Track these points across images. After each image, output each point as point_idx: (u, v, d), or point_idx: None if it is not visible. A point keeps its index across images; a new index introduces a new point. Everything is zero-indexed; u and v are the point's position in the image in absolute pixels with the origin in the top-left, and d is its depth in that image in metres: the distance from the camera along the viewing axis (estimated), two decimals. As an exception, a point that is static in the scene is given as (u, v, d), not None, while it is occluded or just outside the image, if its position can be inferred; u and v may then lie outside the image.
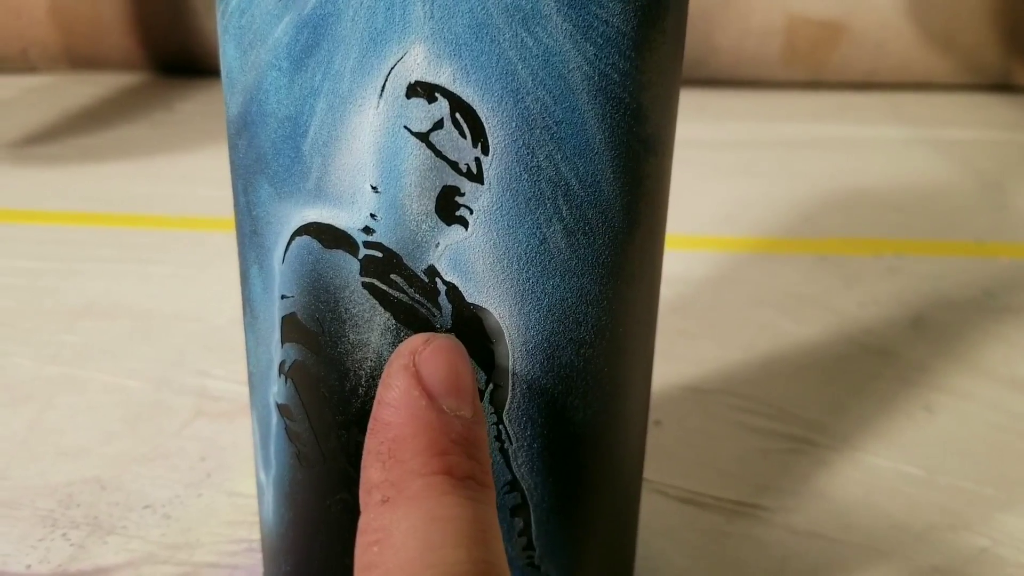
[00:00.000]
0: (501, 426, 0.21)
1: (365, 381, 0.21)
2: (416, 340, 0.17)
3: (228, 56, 0.20)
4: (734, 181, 0.68)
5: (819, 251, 0.56)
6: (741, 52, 0.89)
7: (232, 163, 0.21)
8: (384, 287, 0.20)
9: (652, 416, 0.38)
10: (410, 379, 0.17)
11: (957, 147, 0.76)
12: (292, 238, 0.20)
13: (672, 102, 0.21)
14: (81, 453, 0.34)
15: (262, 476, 0.24)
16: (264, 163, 0.20)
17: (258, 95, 0.19)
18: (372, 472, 0.16)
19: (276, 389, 0.22)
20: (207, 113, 0.83)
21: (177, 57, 0.93)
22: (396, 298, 0.20)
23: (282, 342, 0.21)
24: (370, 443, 0.17)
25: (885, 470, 0.36)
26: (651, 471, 0.35)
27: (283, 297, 0.21)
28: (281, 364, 0.22)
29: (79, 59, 0.92)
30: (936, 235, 0.59)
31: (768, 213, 0.62)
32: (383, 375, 0.17)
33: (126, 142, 0.75)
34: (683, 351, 0.44)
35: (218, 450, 0.34)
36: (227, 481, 0.33)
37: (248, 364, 0.24)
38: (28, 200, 0.62)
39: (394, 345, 0.20)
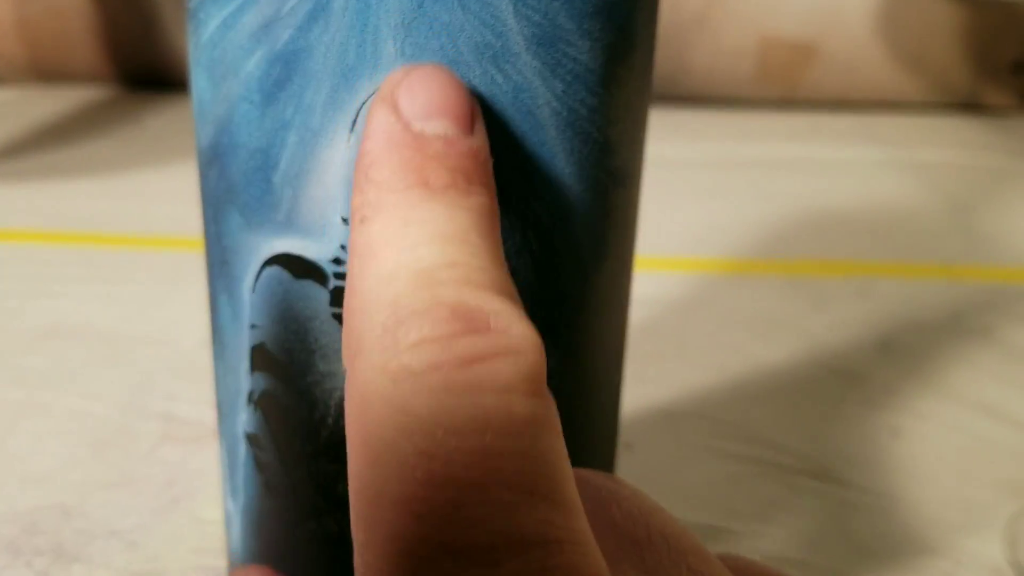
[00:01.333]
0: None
1: (334, 411, 0.21)
2: (396, 73, 0.17)
3: (199, 88, 0.20)
4: (705, 202, 0.68)
5: (790, 273, 0.57)
6: (713, 71, 0.90)
7: (202, 192, 0.21)
8: (353, 319, 0.20)
9: (623, 439, 0.39)
10: (386, 107, 0.16)
11: (927, 169, 0.78)
12: (262, 268, 0.20)
13: (639, 135, 0.22)
14: (45, 479, 0.34)
15: (230, 505, 0.24)
16: (234, 194, 0.20)
17: (229, 127, 0.20)
18: (353, 199, 0.16)
19: (244, 418, 0.22)
20: (177, 128, 0.82)
21: (146, 71, 0.92)
22: (365, 330, 0.20)
23: (251, 371, 0.21)
24: (354, 175, 0.17)
25: (851, 494, 0.36)
26: (621, 495, 0.35)
27: (252, 327, 0.21)
28: (250, 393, 0.22)
29: (46, 73, 0.92)
30: (905, 258, 0.60)
31: (739, 234, 0.62)
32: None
33: (94, 158, 0.74)
34: (654, 373, 0.44)
35: (186, 475, 0.34)
36: (195, 507, 0.33)
37: (216, 393, 0.24)
38: (-7, 217, 0.61)
39: (363, 376, 0.20)
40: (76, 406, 0.39)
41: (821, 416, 0.41)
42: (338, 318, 0.20)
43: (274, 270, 0.20)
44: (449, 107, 0.16)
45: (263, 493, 0.23)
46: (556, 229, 0.20)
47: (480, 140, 0.17)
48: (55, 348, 0.44)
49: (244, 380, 0.22)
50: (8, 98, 0.89)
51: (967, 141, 0.86)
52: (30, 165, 0.72)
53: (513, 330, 0.14)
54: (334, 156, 0.18)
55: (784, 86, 0.91)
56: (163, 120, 0.85)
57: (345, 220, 0.19)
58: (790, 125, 0.87)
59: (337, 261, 0.19)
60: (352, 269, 0.16)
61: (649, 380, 0.44)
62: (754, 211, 0.66)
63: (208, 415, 0.38)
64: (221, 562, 0.30)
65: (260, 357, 0.21)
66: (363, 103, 0.18)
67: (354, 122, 0.18)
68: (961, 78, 0.93)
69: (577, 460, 0.23)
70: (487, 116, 0.18)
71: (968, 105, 0.95)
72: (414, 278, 0.15)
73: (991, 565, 0.32)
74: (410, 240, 0.15)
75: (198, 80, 0.20)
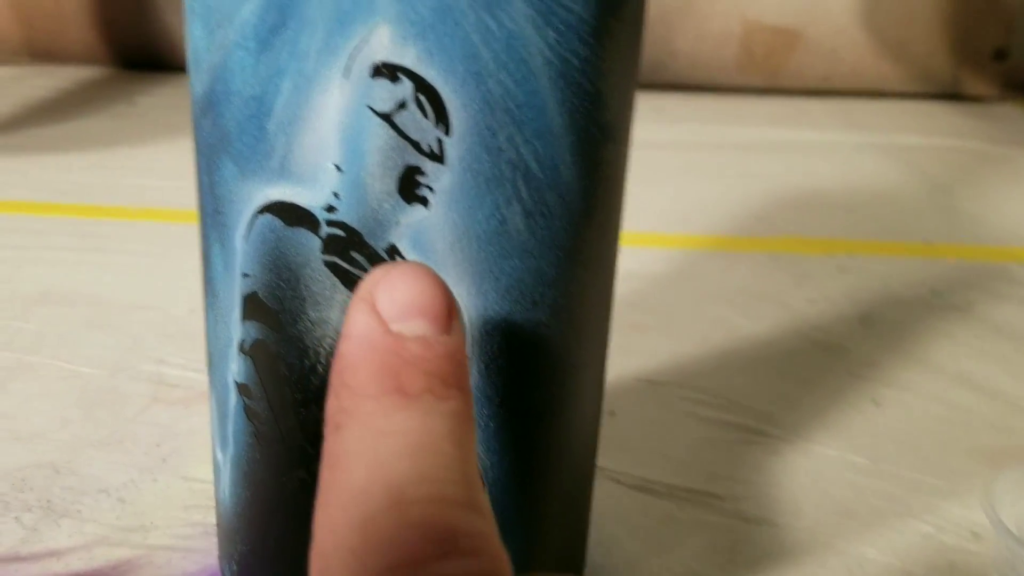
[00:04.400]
0: (459, 405, 0.21)
1: (324, 359, 0.21)
2: (376, 271, 0.17)
3: (195, 36, 0.21)
4: (688, 181, 0.69)
5: (772, 250, 0.57)
6: (698, 56, 0.90)
7: (196, 143, 0.22)
8: (345, 265, 0.20)
9: (606, 407, 0.39)
10: (365, 308, 0.16)
11: (907, 152, 0.78)
12: (255, 217, 0.20)
13: (630, 91, 0.22)
14: (35, 438, 0.34)
15: (219, 456, 0.24)
16: (228, 142, 0.20)
17: (224, 74, 0.20)
18: (328, 403, 0.16)
19: (235, 368, 0.22)
20: (169, 106, 0.82)
21: (139, 52, 0.92)
22: (357, 276, 0.20)
23: (242, 320, 0.22)
24: (330, 378, 0.17)
25: (833, 460, 0.37)
26: (605, 459, 0.35)
27: (244, 276, 0.21)
28: (241, 343, 0.22)
29: (40, 52, 0.91)
30: (886, 236, 0.61)
31: (722, 213, 0.63)
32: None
33: (86, 134, 0.74)
34: (637, 345, 0.45)
35: (174, 436, 0.34)
36: (183, 466, 0.33)
37: (207, 344, 0.24)
38: (-19, 188, 0.61)
39: (355, 323, 0.20)
40: (66, 369, 0.39)
41: (803, 386, 0.42)
42: (330, 266, 0.20)
43: (267, 218, 0.20)
44: (427, 307, 0.16)
45: (253, 443, 0.23)
46: (546, 179, 0.20)
47: (457, 339, 0.17)
48: (45, 314, 0.44)
49: (236, 329, 0.22)
50: (2, 76, 0.88)
51: (949, 127, 0.86)
52: (23, 140, 0.72)
53: (483, 552, 0.14)
54: (327, 102, 0.19)
55: (767, 72, 0.92)
56: (155, 99, 0.85)
57: (337, 167, 0.19)
58: (773, 110, 0.88)
59: (329, 208, 0.20)
60: (323, 480, 0.16)
61: (633, 351, 0.44)
62: (737, 191, 0.67)
63: (197, 379, 0.38)
64: (209, 518, 0.30)
65: (252, 306, 0.21)
66: (356, 48, 0.18)
67: (347, 67, 0.18)
68: (943, 65, 0.94)
69: (564, 411, 0.23)
70: (480, 63, 0.18)
71: (948, 94, 0.96)
72: (385, 495, 0.15)
73: (969, 528, 0.33)
74: (383, 453, 0.15)
75: (193, 29, 0.20)
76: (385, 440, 0.15)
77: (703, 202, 0.64)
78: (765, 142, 0.78)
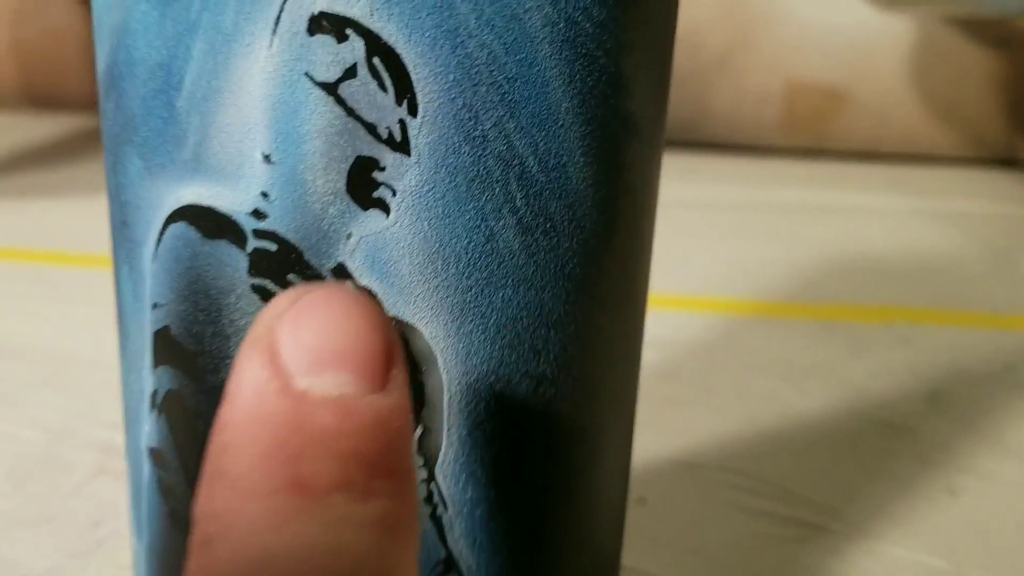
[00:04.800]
0: (433, 484, 0.16)
1: (256, 420, 0.16)
2: (281, 300, 0.12)
3: (98, -2, 0.16)
4: (728, 243, 0.64)
5: (824, 318, 0.52)
6: (736, 116, 0.86)
7: (102, 136, 0.17)
8: (279, 291, 0.15)
9: (635, 492, 0.33)
10: (260, 356, 0.11)
11: (964, 219, 0.73)
12: (165, 226, 0.15)
13: (662, 79, 0.17)
14: (-42, 514, 0.29)
15: (135, 543, 0.19)
16: (133, 129, 0.15)
17: (125, 39, 0.15)
18: (198, 500, 0.11)
19: (147, 428, 0.17)
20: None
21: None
22: (293, 307, 0.15)
23: (154, 366, 0.17)
24: (204, 461, 0.11)
25: (905, 562, 0.30)
26: (631, 556, 0.29)
27: (155, 306, 0.16)
28: (153, 395, 0.17)
29: (39, 98, 0.89)
30: (949, 305, 0.55)
31: (767, 277, 0.57)
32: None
33: (70, 181, 0.71)
34: (672, 420, 0.39)
35: (116, 515, 0.29)
36: (121, 552, 0.27)
37: (123, 399, 0.19)
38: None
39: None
40: (5, 431, 0.34)
41: (866, 473, 0.36)
42: (259, 291, 0.15)
43: (179, 228, 0.15)
44: (351, 351, 0.11)
45: (168, 526, 0.18)
46: (548, 182, 0.15)
47: (397, 398, 0.11)
48: None
49: (147, 378, 0.17)
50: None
51: (1007, 193, 0.81)
52: (8, 186, 0.69)
53: None
54: (252, 68, 0.14)
55: (811, 133, 0.87)
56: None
57: (267, 157, 0.14)
58: (818, 172, 0.83)
59: (257, 214, 0.15)
60: None
61: (668, 428, 0.38)
62: (783, 254, 0.62)
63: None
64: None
65: (164, 346, 0.16)
66: (291, -6, 0.14)
67: (277, 19, 0.14)
68: (998, 129, 0.88)
69: (576, 498, 0.17)
70: (457, 17, 0.14)
71: (1003, 160, 0.90)
72: None
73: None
74: None
75: (97, -13, 0.16)
76: (269, 569, 0.10)
77: (746, 265, 0.59)
78: (811, 205, 0.73)
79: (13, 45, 0.86)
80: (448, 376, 0.15)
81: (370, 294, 0.11)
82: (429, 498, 0.16)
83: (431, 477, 0.16)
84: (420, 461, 0.15)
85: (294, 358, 0.11)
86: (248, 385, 0.11)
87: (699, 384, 0.43)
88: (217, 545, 0.10)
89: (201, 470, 0.11)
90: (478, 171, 0.14)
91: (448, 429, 0.15)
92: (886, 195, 0.78)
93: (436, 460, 0.16)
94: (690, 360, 0.45)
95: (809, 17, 0.82)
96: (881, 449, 0.38)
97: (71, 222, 0.61)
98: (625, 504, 0.20)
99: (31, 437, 0.34)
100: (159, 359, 0.16)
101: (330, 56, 0.14)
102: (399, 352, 0.11)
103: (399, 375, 0.11)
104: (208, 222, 0.15)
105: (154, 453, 0.17)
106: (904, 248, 0.65)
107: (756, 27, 0.84)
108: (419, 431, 0.15)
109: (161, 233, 0.15)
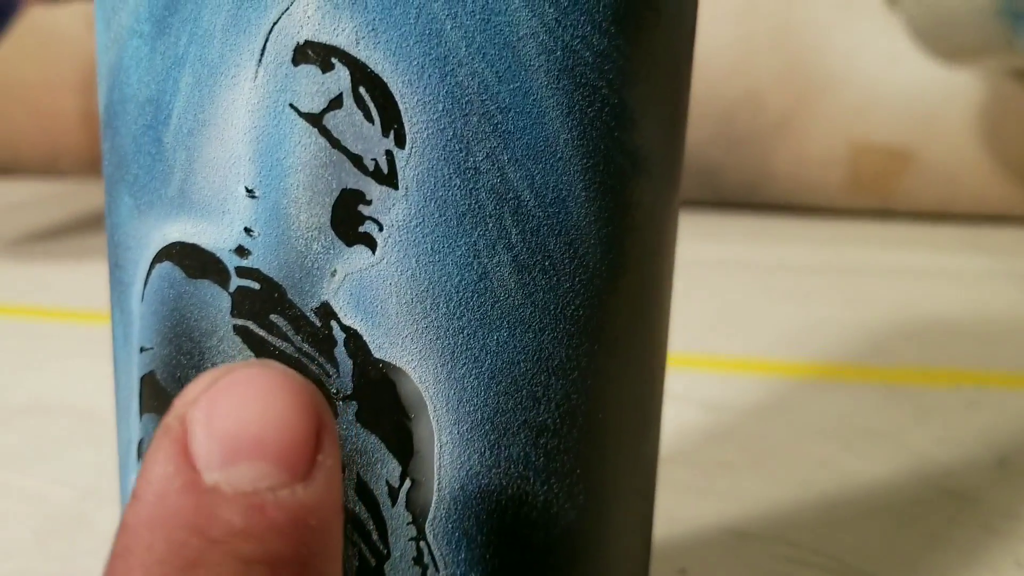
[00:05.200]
0: (423, 543, 0.15)
1: (243, 469, 0.15)
2: (197, 383, 0.11)
3: (99, 38, 0.16)
4: (790, 305, 0.62)
5: (887, 380, 0.49)
6: (799, 179, 0.84)
7: (104, 178, 0.17)
8: (262, 333, 0.14)
9: (675, 563, 0.32)
10: (168, 448, 0.10)
11: (1040, 281, 0.70)
12: (152, 266, 0.15)
13: (675, 114, 0.16)
14: (-20, 569, 0.29)
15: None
16: (124, 167, 0.15)
17: (120, 75, 0.15)
18: None
19: (134, 480, 0.17)
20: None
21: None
22: (277, 348, 0.14)
23: (140, 413, 0.16)
24: (105, 566, 0.10)
25: (973, 643, 0.28)
26: (672, 628, 0.28)
27: (142, 350, 0.16)
28: (140, 444, 0.16)
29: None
30: (1020, 368, 0.52)
31: (828, 339, 0.55)
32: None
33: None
34: (722, 486, 0.37)
35: None
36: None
37: (116, 450, 0.18)
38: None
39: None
40: (34, 488, 0.34)
41: (928, 543, 0.34)
42: (242, 333, 0.14)
43: (165, 268, 0.15)
44: (272, 436, 0.10)
45: (158, 584, 0.17)
46: (546, 217, 0.14)
47: (320, 490, 0.10)
48: (31, 425, 0.40)
49: (133, 427, 0.16)
50: (67, 190, 0.89)
51: (1085, 255, 0.77)
52: (64, 248, 0.71)
53: None
54: (236, 100, 0.13)
55: (877, 195, 0.85)
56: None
57: (250, 191, 0.14)
58: (885, 233, 0.81)
59: (240, 251, 0.14)
60: None
61: (716, 494, 0.36)
62: (846, 315, 0.59)
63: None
64: None
65: (150, 392, 0.16)
66: (273, 23, 0.13)
67: (263, 49, 0.13)
68: (1074, 189, 0.85)
69: (584, 560, 0.16)
70: (446, 45, 0.13)
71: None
72: None
73: None
74: None
75: (98, 26, 0.16)
76: None
77: (805, 326, 0.57)
78: (879, 266, 0.71)
79: (83, 117, 0.89)
80: (438, 424, 0.14)
81: (297, 373, 0.10)
82: (419, 558, 0.15)
83: (421, 535, 0.15)
84: (409, 517, 0.14)
85: (204, 449, 0.10)
86: (153, 482, 0.10)
87: (753, 448, 0.41)
88: None
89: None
90: (470, 205, 0.14)
91: (439, 484, 0.14)
92: (956, 255, 0.75)
93: (427, 516, 0.15)
94: (745, 423, 0.44)
95: (872, 76, 0.81)
96: (946, 518, 0.35)
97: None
98: (647, 565, 0.19)
99: (59, 493, 0.34)
100: (145, 406, 0.16)
101: (315, 86, 0.13)
102: (330, 435, 0.10)
103: (327, 462, 0.10)
104: (192, 261, 0.14)
105: (145, 503, 0.17)
106: (975, 309, 0.63)
107: (818, 87, 0.82)
108: (408, 484, 0.14)
109: (148, 273, 0.15)
